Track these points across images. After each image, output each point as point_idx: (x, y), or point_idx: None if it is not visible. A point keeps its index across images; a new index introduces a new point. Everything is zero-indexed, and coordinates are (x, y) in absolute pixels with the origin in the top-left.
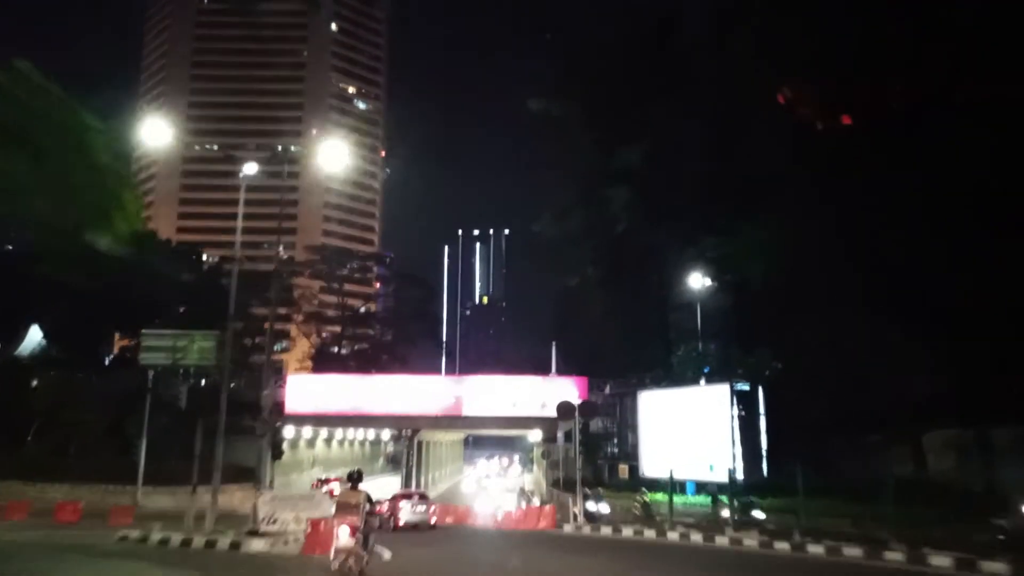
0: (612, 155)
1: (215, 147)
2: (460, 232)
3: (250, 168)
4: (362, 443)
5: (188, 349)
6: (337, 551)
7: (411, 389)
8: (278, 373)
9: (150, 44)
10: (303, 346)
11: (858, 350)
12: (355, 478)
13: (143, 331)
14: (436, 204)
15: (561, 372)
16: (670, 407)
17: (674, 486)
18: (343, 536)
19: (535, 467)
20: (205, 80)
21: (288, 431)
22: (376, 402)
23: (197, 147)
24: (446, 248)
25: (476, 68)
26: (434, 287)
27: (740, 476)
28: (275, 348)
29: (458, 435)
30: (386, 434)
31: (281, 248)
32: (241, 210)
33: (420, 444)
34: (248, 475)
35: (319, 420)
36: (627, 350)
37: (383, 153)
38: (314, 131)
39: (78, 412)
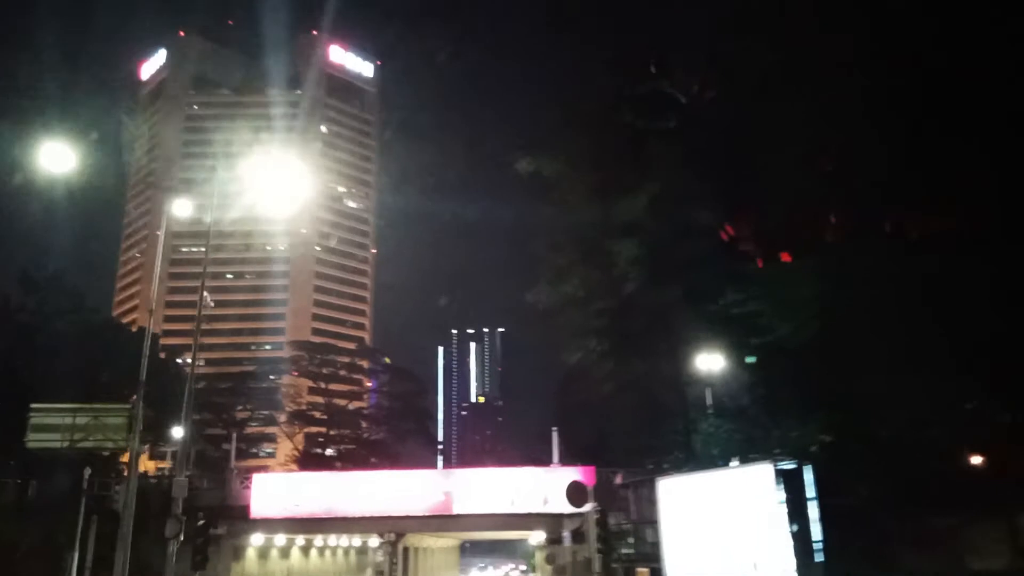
0: (612, 206)
1: (201, 248)
2: (454, 332)
3: (182, 209)
4: (346, 551)
5: (90, 428)
6: None
7: (393, 486)
8: (247, 473)
9: (140, 145)
10: (286, 447)
11: (928, 415)
12: None
13: (32, 406)
14: (428, 303)
15: (565, 462)
16: (697, 496)
17: None
18: None
19: (538, 575)
20: (193, 183)
21: (256, 538)
22: (354, 502)
23: (184, 249)
24: (440, 349)
25: (466, 153)
26: (427, 385)
27: None
28: (259, 453)
29: (451, 541)
30: (374, 540)
31: (207, 295)
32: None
33: (407, 551)
34: None
35: (289, 525)
36: (640, 433)
37: (374, 251)
38: (303, 230)
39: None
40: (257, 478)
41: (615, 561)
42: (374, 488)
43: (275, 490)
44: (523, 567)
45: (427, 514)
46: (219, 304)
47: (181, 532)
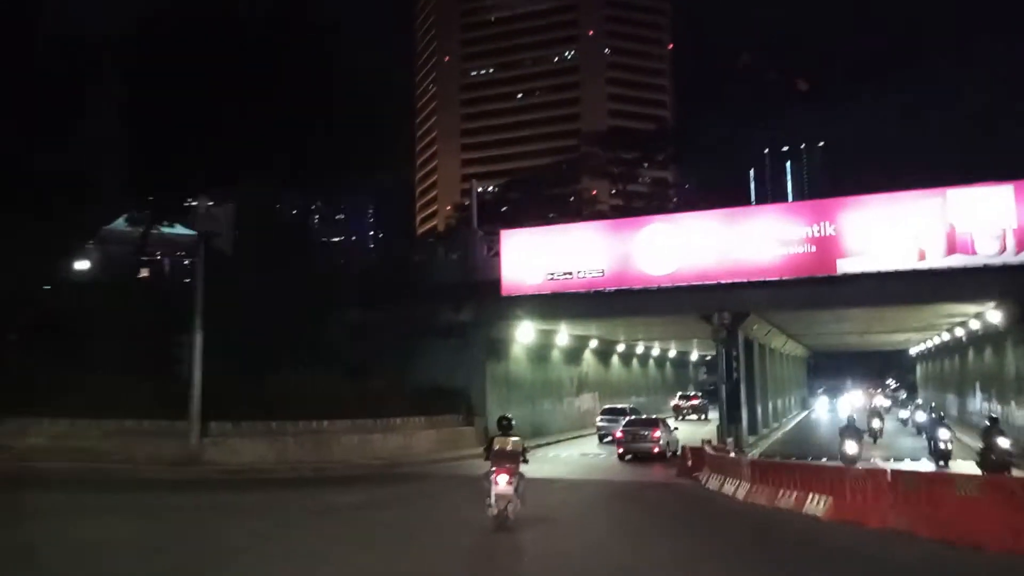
0: None
1: (491, 69)
2: (767, 151)
3: None
4: (660, 362)
5: None
6: (497, 497)
7: (722, 231)
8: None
9: None
10: None
11: None
12: (505, 424)
13: None
14: (737, 113)
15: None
16: None
17: None
18: (502, 483)
19: (920, 394)
20: None
21: (524, 333)
22: (657, 261)
23: (473, 72)
24: (751, 172)
25: None
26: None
27: None
28: None
29: (798, 348)
30: (696, 352)
31: None
32: None
33: (751, 347)
34: (450, 402)
35: (559, 305)
36: None
37: (670, 47)
38: (591, 32)
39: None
40: (507, 234)
41: None
42: (692, 238)
43: (535, 251)
44: (888, 393)
45: (786, 274)
46: (512, 127)
47: None
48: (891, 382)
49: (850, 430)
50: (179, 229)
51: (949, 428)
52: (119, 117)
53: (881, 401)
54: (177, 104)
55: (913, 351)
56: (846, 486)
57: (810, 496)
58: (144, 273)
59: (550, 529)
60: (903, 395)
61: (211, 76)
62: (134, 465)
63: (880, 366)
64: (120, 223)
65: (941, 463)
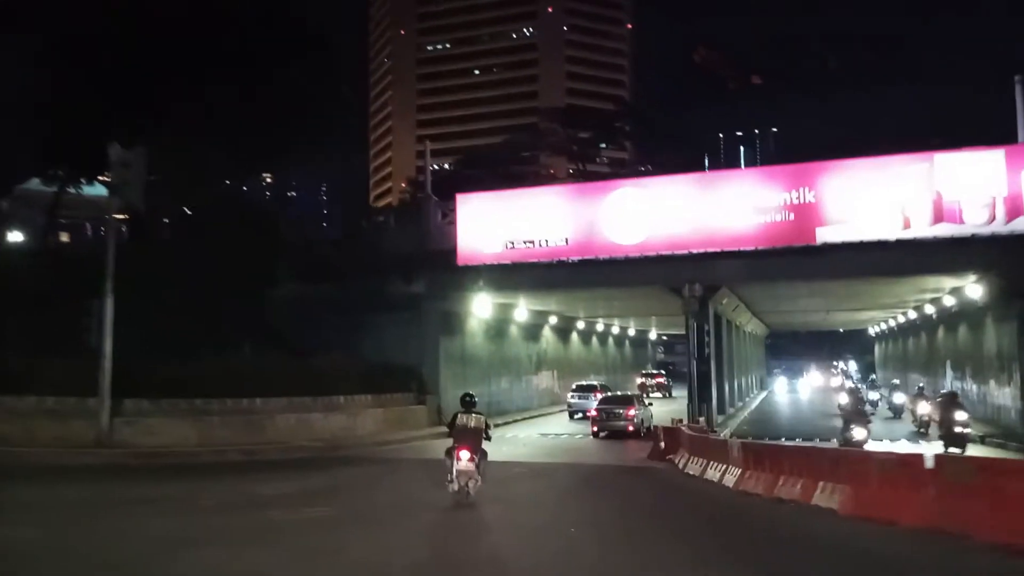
0: None
1: (448, 44)
2: (720, 135)
3: None
4: (619, 341)
5: None
6: (458, 474)
7: (695, 196)
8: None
9: None
10: None
11: None
12: (469, 402)
13: None
14: (693, 94)
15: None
16: None
17: None
18: (464, 460)
19: (879, 374)
20: None
21: (480, 306)
22: (624, 229)
23: (429, 47)
24: (706, 156)
25: None
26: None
27: None
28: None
29: (758, 325)
30: (654, 331)
31: None
32: None
33: (720, 323)
34: (401, 380)
35: (520, 276)
36: None
37: (629, 26)
38: (550, 8)
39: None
40: (464, 199)
41: None
42: (663, 204)
43: (494, 218)
44: (844, 371)
45: (762, 244)
46: (468, 104)
47: None
48: (841, 363)
49: (856, 413)
50: (103, 191)
51: (966, 409)
52: (32, 63)
53: (847, 382)
54: (96, 53)
55: (872, 331)
56: (870, 474)
57: (820, 485)
58: (64, 238)
59: (516, 533)
60: (871, 376)
61: (136, 25)
62: (34, 448)
63: (836, 346)
64: (35, 183)
65: (955, 450)
